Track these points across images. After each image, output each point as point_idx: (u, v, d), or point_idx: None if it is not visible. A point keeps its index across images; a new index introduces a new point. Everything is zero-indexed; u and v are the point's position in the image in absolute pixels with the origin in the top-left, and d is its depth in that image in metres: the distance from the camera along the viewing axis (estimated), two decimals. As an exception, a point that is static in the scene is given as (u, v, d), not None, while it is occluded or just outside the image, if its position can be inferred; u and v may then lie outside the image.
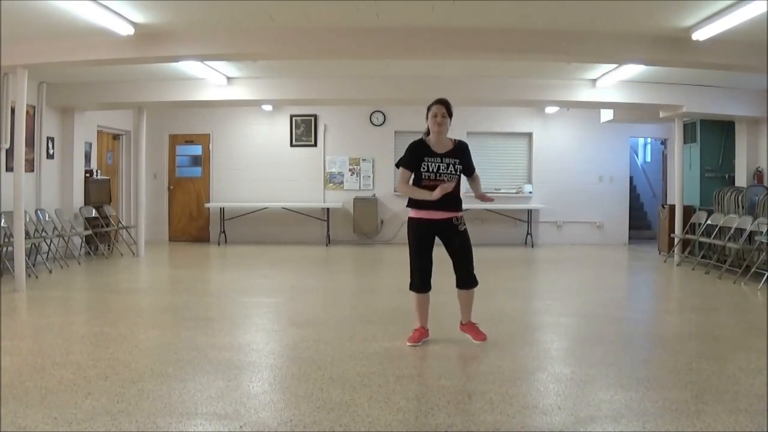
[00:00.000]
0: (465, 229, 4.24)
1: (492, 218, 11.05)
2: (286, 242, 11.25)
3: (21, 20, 5.40)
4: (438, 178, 4.10)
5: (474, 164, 4.33)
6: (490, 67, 7.76)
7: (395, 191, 4.35)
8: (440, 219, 4.17)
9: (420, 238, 4.22)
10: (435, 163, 4.12)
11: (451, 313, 5.07)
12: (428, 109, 4.22)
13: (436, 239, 4.26)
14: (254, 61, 7.32)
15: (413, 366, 3.87)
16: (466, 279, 4.26)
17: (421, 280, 4.25)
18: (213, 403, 3.20)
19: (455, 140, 4.25)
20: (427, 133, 4.24)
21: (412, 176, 4.21)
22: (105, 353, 4.08)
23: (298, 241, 11.27)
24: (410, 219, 4.27)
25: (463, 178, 4.29)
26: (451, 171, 4.13)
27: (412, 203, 4.24)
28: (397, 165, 4.28)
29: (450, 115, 4.20)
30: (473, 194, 4.50)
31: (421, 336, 4.32)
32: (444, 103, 4.19)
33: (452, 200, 4.17)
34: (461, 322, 4.40)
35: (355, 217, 11.23)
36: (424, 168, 4.13)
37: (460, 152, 4.21)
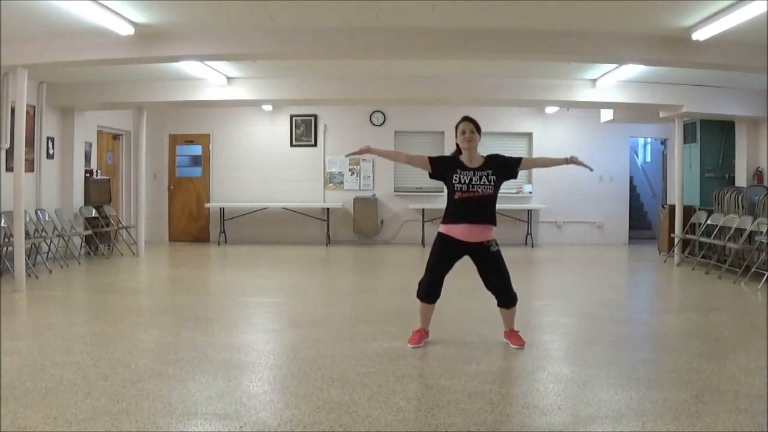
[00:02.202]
0: (498, 250, 4.17)
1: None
2: (286, 242, 11.25)
3: (21, 20, 5.40)
4: (471, 189, 4.04)
5: (517, 158, 4.25)
6: (490, 67, 7.75)
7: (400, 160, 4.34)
8: (472, 243, 4.11)
9: (443, 255, 4.17)
10: (467, 176, 4.07)
11: (454, 315, 5.08)
12: (456, 128, 4.21)
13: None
14: (254, 61, 7.32)
15: (413, 366, 3.87)
16: (506, 300, 4.23)
17: (428, 291, 4.22)
18: (213, 403, 3.20)
19: (486, 156, 4.23)
20: (458, 152, 4.22)
21: (419, 169, 4.33)
22: (105, 353, 4.08)
23: (298, 241, 11.26)
24: (440, 234, 4.20)
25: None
26: (484, 182, 4.06)
27: (447, 219, 4.14)
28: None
29: (479, 130, 4.18)
30: (567, 164, 4.35)
31: (421, 338, 4.31)
32: (471, 120, 4.19)
33: (487, 215, 4.10)
34: (504, 330, 4.36)
35: (355, 217, 11.23)
36: (456, 180, 4.07)
37: (493, 162, 4.17)
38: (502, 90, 8.47)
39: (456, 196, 4.09)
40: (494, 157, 4.24)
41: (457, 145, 4.21)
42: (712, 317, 5.58)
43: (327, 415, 3.02)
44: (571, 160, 4.29)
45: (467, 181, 4.06)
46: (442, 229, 4.19)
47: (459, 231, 4.11)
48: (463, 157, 4.18)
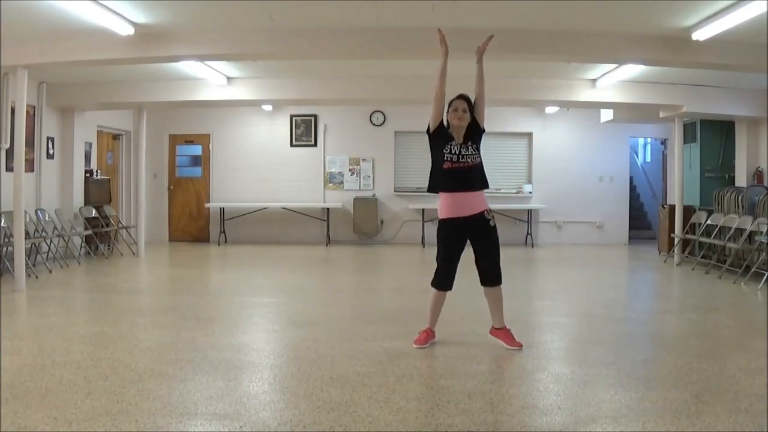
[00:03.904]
0: (495, 225, 4.22)
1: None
2: (286, 242, 11.25)
3: (21, 20, 5.40)
4: (461, 160, 4.12)
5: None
6: (490, 67, 7.63)
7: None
8: (472, 215, 4.14)
9: (450, 241, 4.20)
10: (457, 147, 4.15)
11: (454, 315, 5.07)
12: (449, 104, 4.23)
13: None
14: (254, 61, 7.32)
15: (413, 366, 3.87)
16: (492, 274, 4.21)
17: (445, 279, 4.24)
18: (213, 403, 3.20)
19: (468, 126, 4.24)
20: (449, 126, 4.25)
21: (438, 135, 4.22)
22: (105, 353, 4.08)
23: (298, 241, 11.27)
24: (441, 221, 4.24)
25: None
26: (471, 152, 4.15)
27: (440, 188, 4.17)
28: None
29: (471, 110, 4.23)
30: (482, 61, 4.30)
31: (428, 338, 4.30)
32: (466, 99, 4.24)
33: (477, 181, 4.16)
34: (492, 326, 4.33)
35: (355, 217, 11.23)
36: (447, 150, 4.15)
37: (471, 130, 4.21)
38: (502, 90, 8.45)
39: (446, 166, 4.13)
40: (469, 125, 4.24)
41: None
42: (712, 317, 5.58)
43: (327, 415, 3.02)
44: (478, 52, 4.25)
45: (457, 152, 4.14)
46: (442, 213, 4.22)
47: (456, 206, 4.14)
48: (454, 134, 4.23)
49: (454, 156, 4.13)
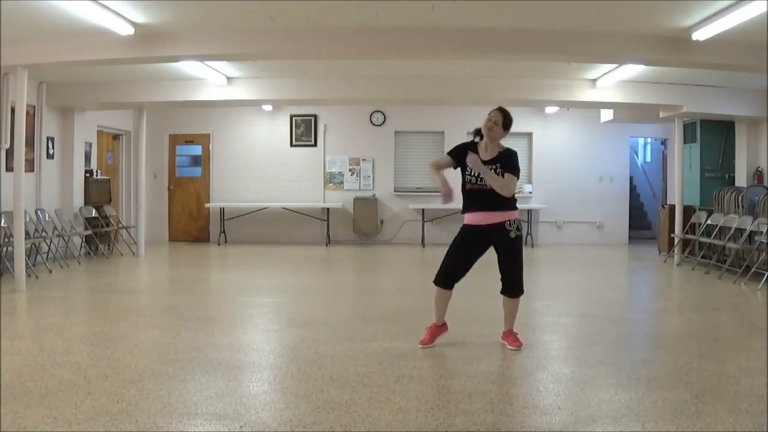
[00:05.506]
0: (517, 236, 4.15)
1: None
2: (286, 242, 11.25)
3: (21, 20, 5.39)
4: (479, 182, 4.09)
5: (515, 171, 4.13)
6: (490, 67, 7.75)
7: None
8: (492, 224, 4.12)
9: (466, 242, 4.19)
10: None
11: (454, 315, 5.06)
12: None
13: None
14: (254, 61, 7.32)
15: (413, 366, 3.87)
16: (512, 286, 4.21)
17: (444, 276, 4.22)
18: (213, 403, 3.20)
19: (504, 149, 4.19)
20: (480, 136, 4.22)
21: (450, 168, 4.22)
22: (105, 353, 4.08)
23: (298, 241, 11.27)
24: (462, 225, 4.25)
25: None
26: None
27: (464, 208, 4.22)
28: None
29: (506, 126, 4.16)
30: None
31: (432, 335, 4.29)
32: (503, 111, 4.17)
33: (497, 204, 4.10)
34: (503, 331, 4.33)
35: (355, 217, 11.23)
36: (468, 171, 4.13)
37: (504, 158, 4.13)
38: (502, 90, 8.46)
39: (467, 187, 4.16)
40: (509, 154, 4.18)
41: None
42: (712, 317, 5.58)
43: (327, 415, 3.02)
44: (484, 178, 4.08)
45: (477, 174, 4.10)
46: (464, 218, 4.24)
47: (476, 217, 4.16)
48: (481, 146, 4.19)
49: (473, 177, 4.12)
